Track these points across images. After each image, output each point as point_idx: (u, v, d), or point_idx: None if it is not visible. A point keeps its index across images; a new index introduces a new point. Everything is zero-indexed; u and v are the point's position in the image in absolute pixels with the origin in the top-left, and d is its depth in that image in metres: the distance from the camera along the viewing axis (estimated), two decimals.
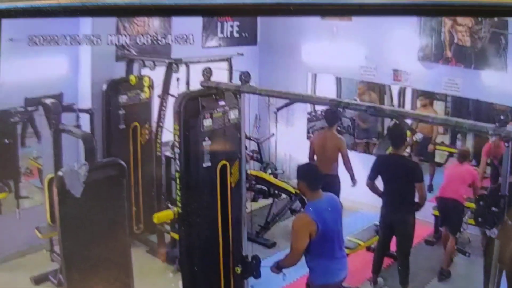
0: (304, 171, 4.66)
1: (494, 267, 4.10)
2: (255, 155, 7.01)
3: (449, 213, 5.75)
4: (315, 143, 6.90)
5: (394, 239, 5.45)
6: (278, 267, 4.55)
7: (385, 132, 7.35)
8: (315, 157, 6.74)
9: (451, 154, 7.85)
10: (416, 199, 5.34)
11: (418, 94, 7.70)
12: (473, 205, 5.92)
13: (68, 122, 5.10)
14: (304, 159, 7.61)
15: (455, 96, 7.06)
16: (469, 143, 8.13)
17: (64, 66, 5.67)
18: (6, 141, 5.58)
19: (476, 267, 5.84)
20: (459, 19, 6.41)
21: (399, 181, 5.31)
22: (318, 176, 4.67)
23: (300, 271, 5.55)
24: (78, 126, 5.26)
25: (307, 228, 4.39)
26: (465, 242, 6.38)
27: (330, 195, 4.63)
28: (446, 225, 5.72)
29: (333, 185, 6.80)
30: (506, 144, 3.80)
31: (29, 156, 5.73)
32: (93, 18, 5.62)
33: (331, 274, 4.52)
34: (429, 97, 7.25)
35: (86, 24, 5.65)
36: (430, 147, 7.14)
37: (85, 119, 5.43)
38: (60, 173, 4.47)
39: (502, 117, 3.65)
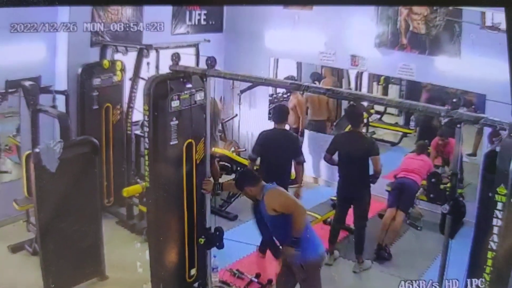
0: (249, 175, 4.58)
1: (445, 242, 4.20)
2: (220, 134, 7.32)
3: (405, 192, 5.96)
4: (310, 99, 7.74)
5: (350, 213, 5.75)
6: (295, 242, 4.31)
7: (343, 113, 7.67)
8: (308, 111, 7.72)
9: (404, 134, 8.13)
10: (371, 172, 5.60)
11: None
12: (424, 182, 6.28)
13: (45, 103, 5.39)
14: None
15: (409, 81, 7.32)
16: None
17: (43, 51, 5.92)
18: None
19: (427, 240, 6.19)
20: (415, 8, 6.66)
21: (356, 156, 5.57)
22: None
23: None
24: (54, 107, 5.53)
25: None
26: (417, 217, 6.71)
27: None
28: (399, 203, 5.97)
29: (323, 127, 7.75)
30: (458, 125, 3.90)
31: (9, 134, 5.96)
32: (70, 6, 5.87)
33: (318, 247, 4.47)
34: (317, 78, 7.69)
35: (63, 13, 5.90)
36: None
37: (61, 100, 5.72)
38: (36, 150, 4.71)
39: (454, 100, 3.78)
